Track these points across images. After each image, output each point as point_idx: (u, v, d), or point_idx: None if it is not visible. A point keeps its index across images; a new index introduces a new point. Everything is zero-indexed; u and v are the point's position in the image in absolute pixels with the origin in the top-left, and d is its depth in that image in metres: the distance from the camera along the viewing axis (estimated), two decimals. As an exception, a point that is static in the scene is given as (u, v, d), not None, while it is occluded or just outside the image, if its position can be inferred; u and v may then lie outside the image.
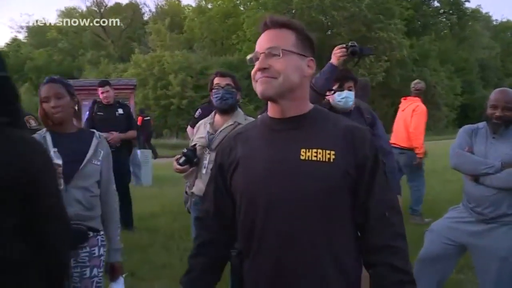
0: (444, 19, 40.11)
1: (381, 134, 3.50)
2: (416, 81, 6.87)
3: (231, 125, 3.22)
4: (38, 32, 46.22)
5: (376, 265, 1.54)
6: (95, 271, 2.56)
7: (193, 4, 38.01)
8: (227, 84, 3.28)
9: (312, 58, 1.63)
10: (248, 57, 1.64)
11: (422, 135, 6.34)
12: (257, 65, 1.57)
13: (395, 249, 1.52)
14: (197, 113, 4.77)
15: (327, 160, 1.52)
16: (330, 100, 3.45)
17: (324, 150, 1.53)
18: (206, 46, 33.66)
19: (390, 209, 1.57)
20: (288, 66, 1.55)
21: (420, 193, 6.45)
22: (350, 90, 3.39)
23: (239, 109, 3.42)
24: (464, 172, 3.07)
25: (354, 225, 1.59)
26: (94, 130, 2.77)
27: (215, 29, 32.60)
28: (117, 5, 46.61)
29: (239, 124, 3.17)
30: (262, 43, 1.60)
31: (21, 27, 47.68)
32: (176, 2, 44.83)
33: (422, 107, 6.43)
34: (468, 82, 38.92)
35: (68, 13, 47.61)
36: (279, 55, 1.54)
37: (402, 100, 6.78)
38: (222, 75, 3.37)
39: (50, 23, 45.32)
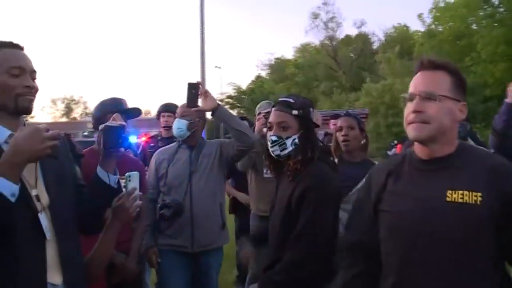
0: None
1: None
2: None
3: None
4: (277, 68, 50.37)
5: None
6: None
7: (422, 29, 37.01)
8: None
9: (464, 102, 1.64)
10: (402, 95, 1.69)
11: None
12: (411, 106, 1.61)
13: None
14: None
15: (473, 202, 1.50)
16: None
17: (470, 192, 1.51)
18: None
19: None
20: (442, 111, 1.57)
21: None
22: None
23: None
24: None
25: (495, 264, 1.57)
26: (376, 162, 3.22)
27: (447, 51, 31.45)
28: (348, 37, 48.32)
29: None
30: (418, 85, 1.63)
31: (264, 65, 52.23)
32: (405, 29, 44.57)
33: None
34: None
35: (303, 48, 50.98)
36: (435, 100, 1.57)
37: None
38: None
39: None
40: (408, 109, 1.64)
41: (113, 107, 2.93)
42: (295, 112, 2.27)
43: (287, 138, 2.26)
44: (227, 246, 3.64)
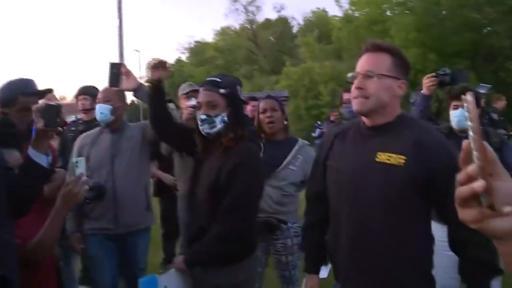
0: None
1: (510, 161, 3.05)
2: None
3: None
4: (197, 51, 49.88)
5: (461, 256, 1.82)
6: (289, 257, 3.24)
7: (340, 14, 37.95)
8: None
9: (404, 81, 1.88)
10: (349, 75, 1.91)
11: None
12: (355, 83, 1.87)
13: (477, 244, 1.68)
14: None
15: (397, 163, 1.75)
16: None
17: (397, 155, 1.76)
18: (354, 54, 33.75)
19: None
20: (381, 88, 1.82)
21: None
22: None
23: None
24: None
25: (426, 218, 1.85)
26: (298, 138, 3.40)
27: (363, 37, 32.55)
28: (268, 21, 48.65)
29: None
30: (362, 64, 1.88)
31: (184, 48, 51.55)
32: (323, 13, 45.48)
33: None
34: None
35: (223, 32, 50.79)
36: (374, 78, 1.82)
37: None
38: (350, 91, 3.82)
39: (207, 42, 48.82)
40: (353, 86, 1.88)
41: (23, 88, 2.74)
42: (222, 90, 2.31)
43: (215, 116, 2.30)
44: (153, 229, 3.63)
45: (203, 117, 2.31)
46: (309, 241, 2.25)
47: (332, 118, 10.58)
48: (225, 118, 2.31)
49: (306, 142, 3.39)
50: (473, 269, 1.79)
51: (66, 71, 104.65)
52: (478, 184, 0.70)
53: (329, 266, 2.67)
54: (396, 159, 1.76)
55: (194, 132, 2.46)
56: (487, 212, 0.72)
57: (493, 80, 22.25)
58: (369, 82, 1.83)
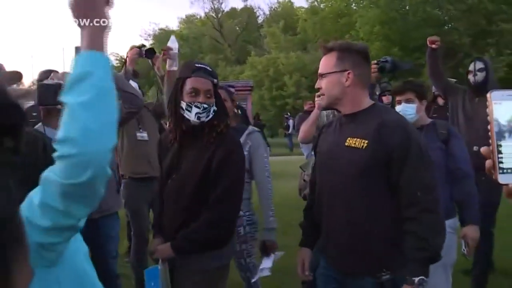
0: None
1: (457, 153, 3.00)
2: None
3: None
4: (162, 39, 49.21)
5: (405, 232, 1.96)
6: (243, 246, 3.23)
7: (306, 5, 38.09)
8: None
9: (349, 70, 2.08)
10: None
11: None
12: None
13: (420, 221, 1.93)
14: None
15: (361, 147, 2.01)
16: None
17: (361, 139, 2.02)
18: (319, 46, 33.72)
19: (422, 188, 1.97)
20: (329, 85, 2.13)
21: None
22: (409, 103, 3.08)
23: None
24: None
25: (390, 195, 2.02)
26: (249, 126, 3.40)
27: (328, 29, 32.73)
28: (233, 10, 48.40)
29: None
30: (319, 68, 2.21)
31: (149, 35, 50.80)
32: (289, 4, 45.55)
33: None
34: None
35: (188, 20, 50.26)
36: (324, 78, 2.15)
37: None
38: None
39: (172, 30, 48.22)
40: None
41: None
42: (215, 80, 2.35)
43: (212, 105, 2.31)
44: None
45: (205, 106, 2.28)
46: (305, 221, 2.46)
47: (306, 107, 10.50)
48: (215, 108, 2.33)
49: (255, 128, 3.37)
50: (412, 243, 1.94)
51: (27, 57, 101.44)
52: (487, 161, 0.83)
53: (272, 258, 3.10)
54: (360, 143, 2.02)
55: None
56: (510, 188, 0.83)
57: (452, 75, 22.54)
58: (322, 82, 2.17)
